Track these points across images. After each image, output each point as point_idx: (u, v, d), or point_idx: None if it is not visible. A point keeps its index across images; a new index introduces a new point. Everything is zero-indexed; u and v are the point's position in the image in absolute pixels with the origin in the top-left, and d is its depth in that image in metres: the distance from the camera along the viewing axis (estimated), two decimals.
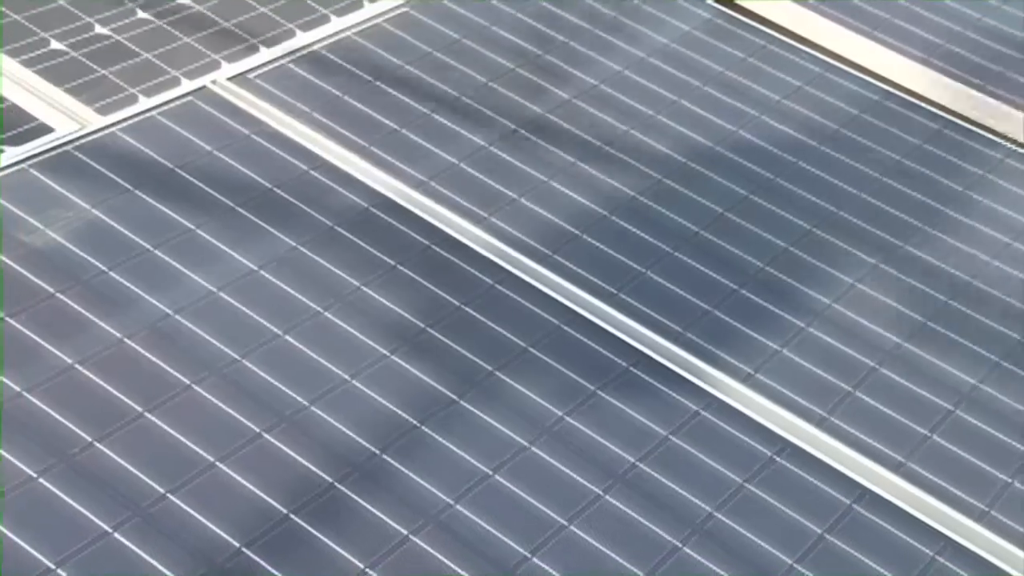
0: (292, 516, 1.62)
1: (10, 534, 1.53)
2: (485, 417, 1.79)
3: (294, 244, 1.97)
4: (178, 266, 1.89)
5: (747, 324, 2.00)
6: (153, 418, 1.69)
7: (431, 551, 1.62)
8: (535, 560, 1.64)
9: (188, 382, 1.74)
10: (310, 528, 1.61)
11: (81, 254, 1.88)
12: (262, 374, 1.77)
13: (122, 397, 1.71)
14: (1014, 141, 2.49)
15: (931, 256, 2.18)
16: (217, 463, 1.66)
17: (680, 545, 1.69)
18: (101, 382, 1.72)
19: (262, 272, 1.92)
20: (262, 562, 1.56)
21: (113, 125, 2.09)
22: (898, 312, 2.07)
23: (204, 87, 2.20)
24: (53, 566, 1.51)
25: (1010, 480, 1.86)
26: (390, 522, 1.64)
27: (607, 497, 1.73)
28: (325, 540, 1.60)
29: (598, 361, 1.90)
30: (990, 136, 2.44)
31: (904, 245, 2.19)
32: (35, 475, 1.60)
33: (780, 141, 2.34)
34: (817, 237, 2.17)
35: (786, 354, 1.97)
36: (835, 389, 1.94)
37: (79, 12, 2.43)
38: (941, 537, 1.77)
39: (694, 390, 1.89)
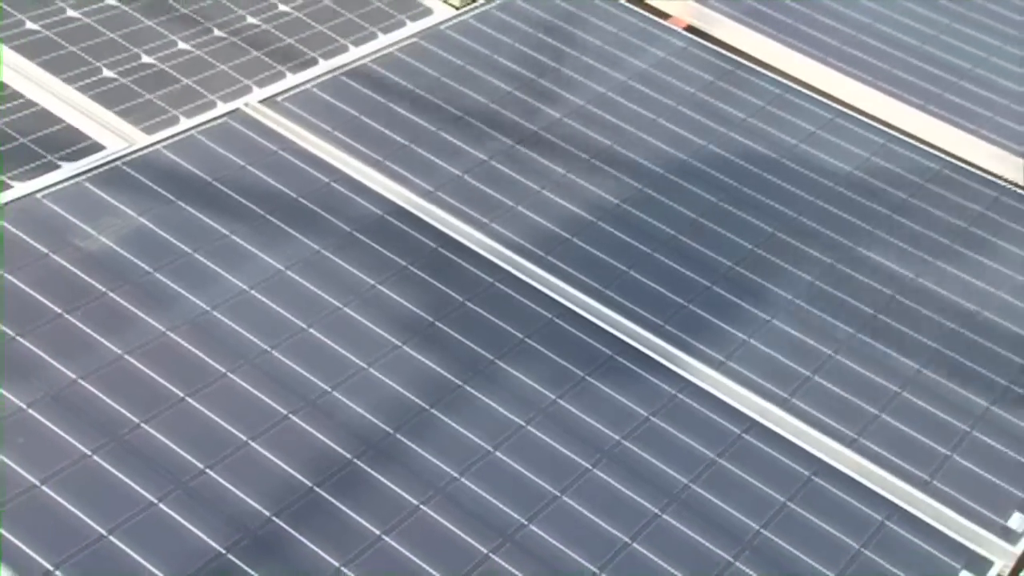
0: (316, 489, 1.61)
1: (68, 505, 1.53)
2: (486, 400, 1.78)
3: (317, 248, 1.96)
4: (215, 267, 1.88)
5: (718, 317, 2.00)
6: (193, 402, 1.68)
7: (439, 519, 1.61)
8: (531, 527, 1.63)
9: (224, 370, 1.74)
10: (332, 499, 1.60)
11: (129, 257, 1.87)
12: (289, 363, 1.76)
13: (166, 383, 1.70)
14: (951, 154, 2.48)
15: (879, 256, 2.17)
16: (250, 442, 1.65)
17: (659, 513, 1.68)
18: (147, 370, 1.71)
19: (289, 272, 1.91)
20: (290, 529, 1.56)
21: (157, 143, 2.08)
22: (851, 306, 2.06)
23: (237, 109, 2.19)
24: (105, 533, 1.51)
25: (950, 453, 1.86)
26: (402, 494, 1.63)
27: (595, 471, 1.72)
28: (345, 510, 1.59)
29: (586, 350, 1.89)
30: (929, 150, 2.43)
31: (855, 247, 2.18)
32: (89, 452, 1.59)
33: (746, 154, 2.33)
34: (779, 240, 2.16)
35: (753, 343, 1.96)
36: (796, 374, 1.93)
37: (127, 43, 2.42)
38: (889, 504, 1.76)
39: (671, 375, 1.88)
